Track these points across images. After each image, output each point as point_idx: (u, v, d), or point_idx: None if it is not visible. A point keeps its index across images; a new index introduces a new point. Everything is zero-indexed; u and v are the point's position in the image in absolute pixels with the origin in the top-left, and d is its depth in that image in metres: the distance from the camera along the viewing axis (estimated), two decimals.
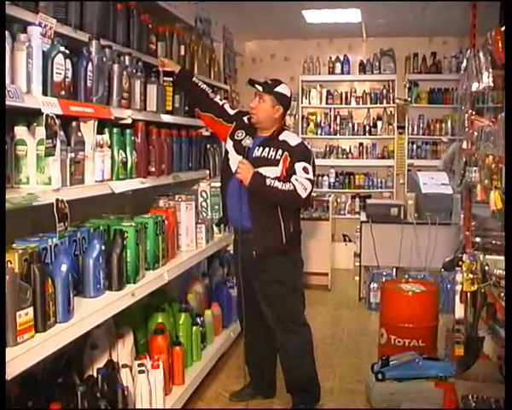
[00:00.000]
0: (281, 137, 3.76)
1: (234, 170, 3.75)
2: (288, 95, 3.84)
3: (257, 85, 3.76)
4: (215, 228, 4.71)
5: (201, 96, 4.12)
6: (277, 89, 3.77)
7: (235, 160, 3.79)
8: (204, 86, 4.16)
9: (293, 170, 3.64)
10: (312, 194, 3.79)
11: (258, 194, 3.65)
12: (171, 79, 4.20)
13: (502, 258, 3.40)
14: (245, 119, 3.93)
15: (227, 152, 3.91)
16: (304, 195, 3.61)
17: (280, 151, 3.69)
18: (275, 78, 3.88)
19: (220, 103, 4.11)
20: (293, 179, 3.60)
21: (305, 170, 3.65)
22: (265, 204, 3.68)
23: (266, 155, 3.71)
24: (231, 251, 5.34)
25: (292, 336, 3.86)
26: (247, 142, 3.76)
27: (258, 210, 3.72)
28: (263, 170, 3.65)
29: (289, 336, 3.87)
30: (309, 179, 3.64)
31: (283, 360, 3.97)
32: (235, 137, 3.88)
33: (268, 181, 3.59)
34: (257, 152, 3.75)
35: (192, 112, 4.44)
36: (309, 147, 3.97)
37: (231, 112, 4.08)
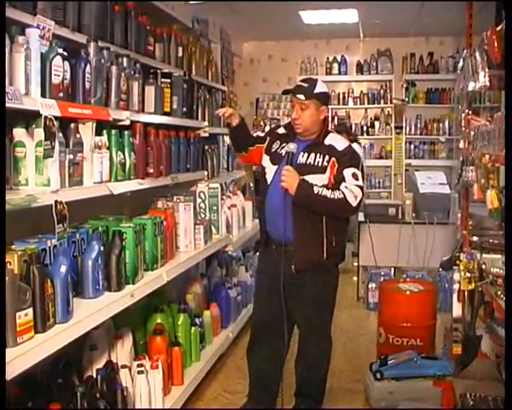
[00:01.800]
0: (326, 142, 3.51)
1: (269, 182, 3.57)
2: (327, 90, 3.63)
3: (298, 95, 3.47)
4: (213, 229, 4.72)
5: (248, 140, 3.85)
6: (317, 89, 3.49)
7: (271, 171, 3.58)
8: (248, 129, 3.99)
9: (341, 176, 3.41)
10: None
11: (304, 204, 3.40)
12: (169, 80, 4.21)
13: (499, 257, 3.43)
14: (279, 130, 3.76)
15: (263, 168, 3.67)
16: (354, 203, 3.38)
17: (327, 157, 3.44)
18: (306, 77, 3.71)
19: (255, 136, 3.99)
20: (342, 187, 3.37)
21: (355, 176, 3.42)
22: (308, 215, 3.44)
23: (312, 161, 3.46)
24: (229, 251, 5.35)
25: (316, 347, 3.72)
26: (291, 147, 3.47)
27: (301, 221, 3.46)
28: (309, 178, 3.40)
29: (313, 347, 3.72)
30: (359, 186, 3.41)
31: (300, 365, 3.79)
32: (271, 150, 3.65)
33: (316, 189, 3.35)
34: (301, 158, 3.50)
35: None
36: (357, 151, 3.74)
37: (262, 134, 3.96)
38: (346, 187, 3.37)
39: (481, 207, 3.84)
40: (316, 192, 3.34)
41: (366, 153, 9.27)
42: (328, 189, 3.37)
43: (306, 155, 3.49)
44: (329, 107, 3.81)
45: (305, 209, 3.42)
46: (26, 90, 2.53)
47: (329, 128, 3.71)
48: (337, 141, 3.54)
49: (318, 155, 3.47)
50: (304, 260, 3.49)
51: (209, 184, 4.82)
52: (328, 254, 3.50)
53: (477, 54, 3.53)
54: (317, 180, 3.40)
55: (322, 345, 3.75)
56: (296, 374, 3.83)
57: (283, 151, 3.56)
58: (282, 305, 3.55)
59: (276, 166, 3.56)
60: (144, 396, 3.35)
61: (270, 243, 3.66)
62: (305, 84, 3.51)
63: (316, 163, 3.46)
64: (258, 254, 4.31)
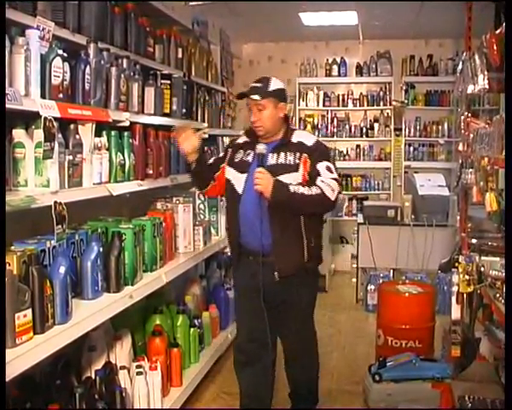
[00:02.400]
0: (294, 139, 3.39)
1: (241, 191, 3.38)
2: (284, 86, 3.48)
3: (253, 96, 3.33)
4: (212, 230, 4.72)
5: (212, 168, 3.63)
6: (272, 87, 3.36)
7: (240, 181, 3.39)
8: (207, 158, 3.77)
9: (315, 172, 3.29)
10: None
11: (282, 205, 3.25)
12: (168, 81, 4.22)
13: (497, 259, 3.43)
14: (240, 140, 3.59)
15: (229, 181, 3.48)
16: (333, 197, 3.27)
17: (297, 154, 3.33)
18: (261, 77, 3.46)
19: (213, 160, 3.70)
20: (318, 182, 3.26)
21: (329, 169, 3.32)
22: (286, 218, 3.30)
23: (283, 160, 3.33)
24: (228, 253, 5.35)
25: (305, 350, 3.66)
26: (260, 148, 3.30)
27: (279, 225, 3.31)
28: (282, 178, 3.25)
29: (303, 351, 3.65)
30: (335, 179, 3.32)
31: (292, 370, 3.72)
32: (235, 160, 3.48)
33: (291, 188, 3.21)
34: (271, 160, 3.35)
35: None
36: (326, 144, 3.57)
37: (220, 155, 3.72)
38: (322, 181, 3.27)
39: (480, 209, 3.84)
40: (292, 191, 3.21)
41: (365, 155, 9.29)
42: (304, 186, 3.26)
43: (276, 155, 3.36)
44: (288, 103, 3.53)
45: (281, 212, 3.29)
46: (25, 91, 2.54)
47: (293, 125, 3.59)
48: (305, 137, 3.44)
49: (288, 153, 3.35)
50: (287, 266, 3.35)
51: None
52: (309, 256, 3.39)
53: (476, 56, 3.53)
54: (291, 179, 3.27)
55: (311, 347, 3.71)
56: (288, 378, 3.78)
57: (250, 158, 3.42)
58: (266, 316, 3.40)
59: (245, 175, 3.39)
60: (143, 397, 3.36)
61: (245, 255, 3.47)
62: (259, 84, 3.38)
63: (287, 162, 3.33)
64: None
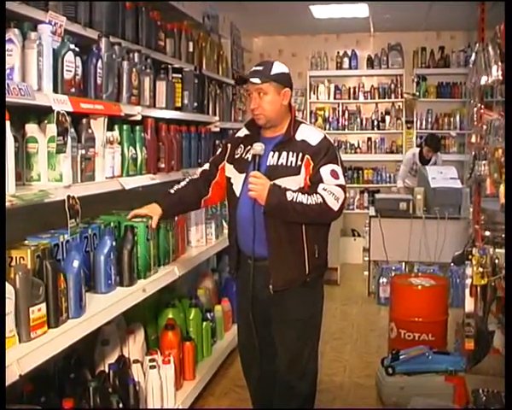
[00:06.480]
0: (298, 136, 2.99)
1: (238, 193, 3.05)
2: (288, 71, 3.06)
3: (252, 79, 2.95)
4: (224, 223, 4.72)
5: (188, 198, 3.36)
6: (274, 70, 2.97)
7: (239, 181, 3.06)
8: (182, 187, 3.36)
9: (318, 176, 2.91)
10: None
11: (277, 214, 2.91)
12: (179, 75, 4.22)
13: None
14: (240, 133, 3.23)
15: (229, 179, 3.15)
16: (336, 207, 2.89)
17: (300, 155, 2.94)
18: (263, 60, 3.15)
19: (199, 175, 3.36)
20: (320, 190, 2.87)
21: (334, 174, 2.92)
22: (284, 226, 2.95)
23: (284, 161, 2.96)
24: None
25: (299, 383, 3.15)
26: (258, 148, 2.94)
27: (275, 234, 2.97)
28: (281, 181, 2.90)
29: (296, 384, 3.14)
30: (340, 186, 2.92)
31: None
32: (235, 157, 3.14)
33: (289, 195, 2.85)
34: (271, 159, 2.99)
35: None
36: (332, 141, 3.12)
37: (218, 152, 3.39)
38: (324, 189, 2.88)
39: (493, 201, 3.82)
40: (290, 199, 2.85)
41: (377, 147, 9.27)
42: (303, 193, 2.88)
43: (277, 154, 2.99)
44: (293, 90, 3.07)
45: (279, 219, 2.95)
46: (38, 85, 2.54)
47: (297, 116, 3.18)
48: (310, 133, 3.03)
49: (291, 153, 2.97)
50: (282, 279, 3.01)
51: None
52: (310, 269, 3.02)
53: (490, 47, 3.51)
54: (292, 183, 2.92)
55: (306, 383, 3.19)
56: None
57: (249, 155, 3.05)
58: (258, 327, 3.14)
59: (243, 175, 3.04)
60: (156, 391, 3.37)
61: (244, 259, 3.15)
62: (260, 68, 2.99)
63: (289, 163, 2.96)
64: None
